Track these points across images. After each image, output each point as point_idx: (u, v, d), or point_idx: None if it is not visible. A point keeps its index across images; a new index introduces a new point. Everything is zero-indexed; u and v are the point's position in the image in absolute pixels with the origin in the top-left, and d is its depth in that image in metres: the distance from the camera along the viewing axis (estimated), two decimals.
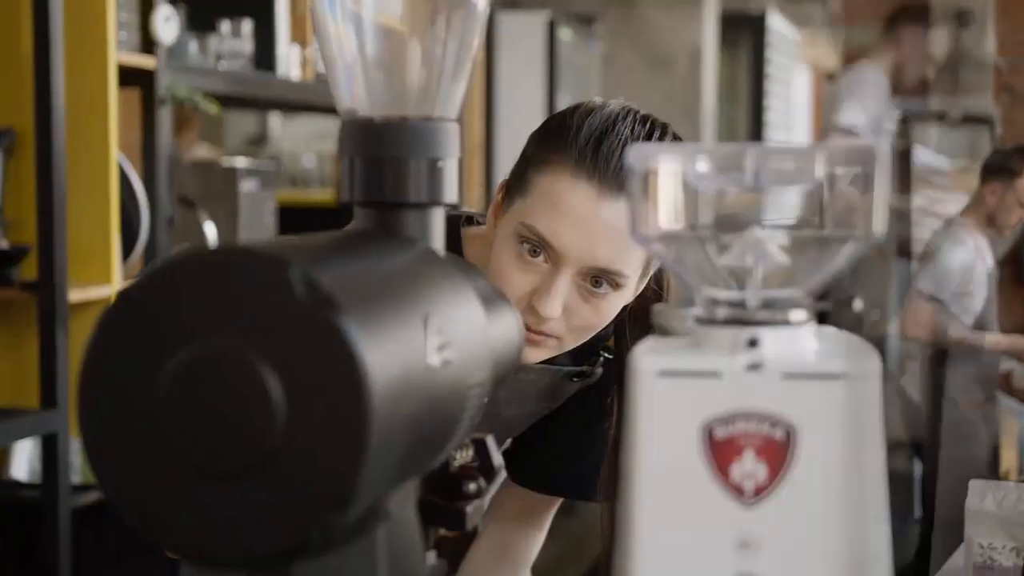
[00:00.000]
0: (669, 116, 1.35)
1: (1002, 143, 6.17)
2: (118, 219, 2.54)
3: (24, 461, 2.62)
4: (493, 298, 0.89)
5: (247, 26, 3.02)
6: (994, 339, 4.25)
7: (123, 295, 0.64)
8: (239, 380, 0.61)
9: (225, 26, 3.03)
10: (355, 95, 0.84)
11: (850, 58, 9.98)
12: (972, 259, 4.26)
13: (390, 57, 0.83)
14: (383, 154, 0.82)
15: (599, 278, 1.25)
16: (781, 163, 0.71)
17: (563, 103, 6.25)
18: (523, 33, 5.33)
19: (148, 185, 2.68)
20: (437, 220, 0.84)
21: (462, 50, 0.85)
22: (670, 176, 0.72)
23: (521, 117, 4.17)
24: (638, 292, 1.34)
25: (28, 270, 2.42)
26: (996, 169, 4.35)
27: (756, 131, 7.44)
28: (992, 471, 4.30)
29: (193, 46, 2.94)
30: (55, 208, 2.36)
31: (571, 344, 1.30)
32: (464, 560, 1.42)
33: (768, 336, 0.70)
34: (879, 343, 4.27)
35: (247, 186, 3.05)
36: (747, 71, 7.40)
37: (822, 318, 0.74)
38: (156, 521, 0.63)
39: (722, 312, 0.72)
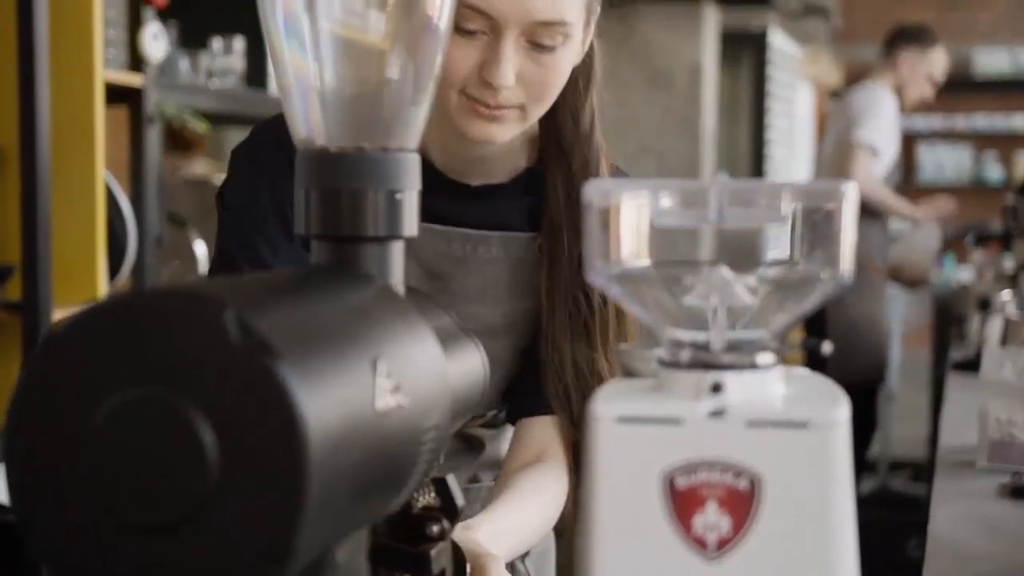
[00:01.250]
0: (669, 134, 1.35)
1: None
2: (104, 238, 2.51)
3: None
4: (455, 334, 0.86)
5: (239, 43, 3.00)
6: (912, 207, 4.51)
7: (52, 337, 0.61)
8: (170, 428, 0.58)
9: (217, 43, 3.00)
10: (311, 124, 0.81)
11: (852, 75, 9.98)
12: (894, 118, 4.39)
13: (347, 85, 0.80)
14: (340, 185, 0.79)
15: (543, 35, 1.20)
16: (746, 200, 0.68)
17: None
18: None
19: (136, 204, 2.65)
20: (396, 253, 0.81)
21: (421, 77, 0.82)
22: (631, 212, 0.69)
23: None
24: (587, 44, 1.30)
25: (12, 290, 2.39)
26: (910, 40, 4.44)
27: (757, 148, 7.41)
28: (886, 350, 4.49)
29: (184, 63, 2.92)
30: (39, 227, 2.34)
31: (536, 113, 1.26)
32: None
33: (733, 381, 0.67)
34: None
35: None
36: (749, 88, 7.37)
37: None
38: (81, 573, 0.60)
39: (685, 355, 0.69)
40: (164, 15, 2.77)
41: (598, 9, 1.29)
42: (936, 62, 4.45)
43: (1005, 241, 4.28)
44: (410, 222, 0.81)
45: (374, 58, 0.81)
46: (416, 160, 0.82)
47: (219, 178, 3.46)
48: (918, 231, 4.71)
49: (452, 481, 0.84)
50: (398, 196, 0.80)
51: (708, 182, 0.69)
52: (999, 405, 1.90)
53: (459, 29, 1.20)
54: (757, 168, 7.40)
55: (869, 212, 4.41)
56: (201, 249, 2.92)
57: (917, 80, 4.44)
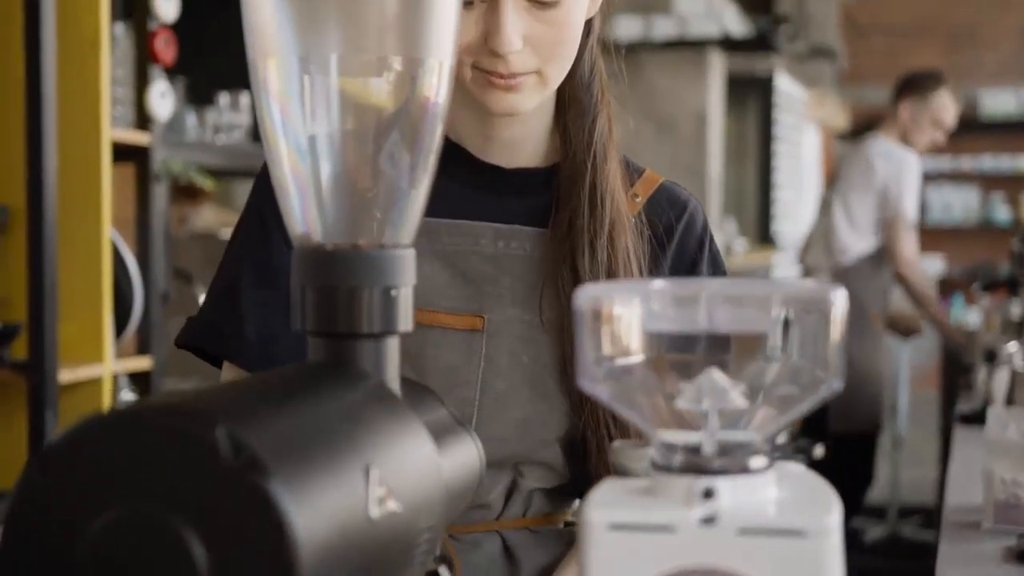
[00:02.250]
0: (675, 179, 1.33)
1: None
2: (111, 297, 2.52)
3: None
4: (449, 426, 0.86)
5: (245, 99, 3.02)
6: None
7: (45, 453, 0.62)
8: (162, 547, 0.59)
9: (224, 99, 3.03)
10: (308, 221, 0.82)
11: (859, 117, 10.00)
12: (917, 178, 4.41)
13: (343, 184, 0.81)
14: (336, 283, 0.79)
15: None
16: (736, 305, 0.68)
17: None
18: None
19: (142, 261, 2.66)
20: (391, 349, 0.81)
21: (417, 175, 0.83)
22: (621, 317, 0.69)
23: None
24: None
25: (19, 349, 2.40)
26: (911, 88, 4.46)
27: (764, 191, 7.43)
28: (882, 399, 4.47)
29: (191, 119, 2.94)
30: (46, 287, 2.35)
31: (556, 77, 1.19)
32: None
33: (724, 486, 0.67)
34: None
35: None
36: (755, 131, 7.40)
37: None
38: None
39: (677, 459, 0.69)
40: (171, 72, 2.79)
41: None
42: (940, 107, 4.46)
43: (1012, 287, 4.26)
44: (405, 317, 0.81)
45: (370, 156, 0.81)
46: (411, 255, 0.82)
47: (226, 231, 3.48)
48: None
49: (445, 573, 0.84)
50: (393, 292, 0.80)
51: (698, 287, 0.69)
52: (1004, 465, 1.90)
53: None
54: (764, 212, 7.41)
55: (876, 259, 4.41)
56: None
57: (921, 127, 4.45)
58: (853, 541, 5.15)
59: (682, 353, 0.71)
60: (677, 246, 1.29)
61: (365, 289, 0.79)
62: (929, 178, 10.21)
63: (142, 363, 2.71)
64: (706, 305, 0.69)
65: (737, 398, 0.69)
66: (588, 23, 1.25)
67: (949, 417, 4.26)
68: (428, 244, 1.24)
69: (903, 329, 4.90)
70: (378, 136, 0.81)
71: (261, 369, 1.21)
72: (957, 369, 4.75)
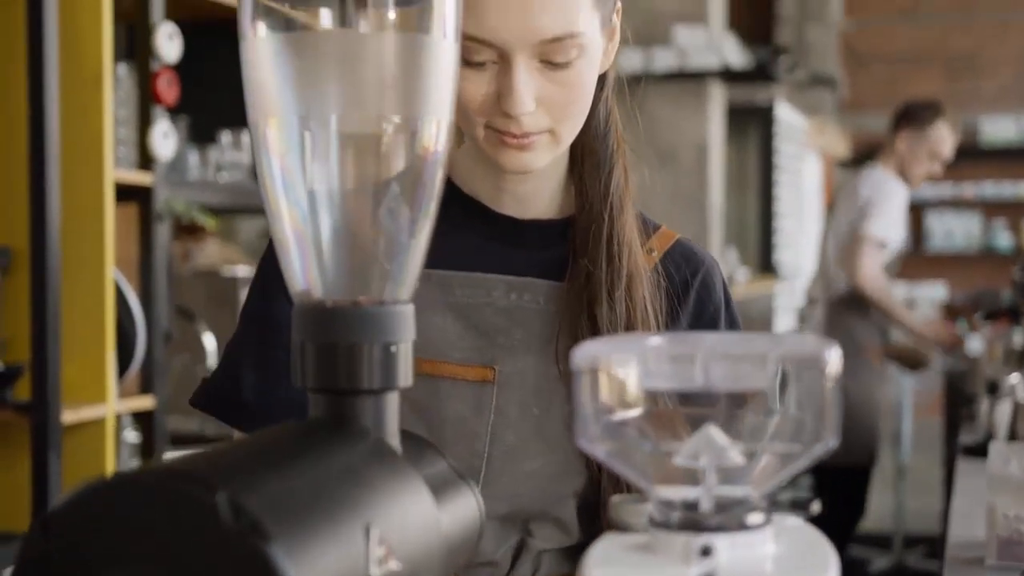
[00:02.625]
0: (677, 211, 1.33)
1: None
2: (114, 337, 2.52)
3: None
4: (449, 479, 0.87)
5: (247, 137, 3.04)
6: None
7: (48, 517, 0.62)
8: None
9: (226, 137, 3.04)
10: (308, 278, 0.82)
11: (859, 144, 10.04)
12: (905, 204, 4.40)
13: (343, 241, 0.82)
14: (336, 340, 0.80)
15: (554, 53, 1.13)
16: (731, 365, 0.69)
17: None
18: None
19: (145, 300, 2.67)
20: (391, 405, 0.82)
21: (416, 230, 0.83)
22: (618, 376, 0.70)
23: None
24: (614, 45, 1.23)
25: (22, 390, 2.41)
26: (908, 119, 4.46)
27: (766, 220, 7.45)
28: (877, 432, 4.45)
29: (194, 157, 2.95)
30: (49, 329, 2.36)
31: (568, 135, 1.18)
32: None
33: (722, 543, 0.67)
34: None
35: None
36: (756, 160, 7.42)
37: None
38: None
39: (675, 516, 0.69)
40: (174, 111, 2.80)
41: (618, 4, 1.22)
42: (938, 139, 4.47)
43: (1014, 315, 4.26)
44: (405, 372, 0.82)
45: (370, 213, 0.82)
46: (410, 311, 0.83)
47: (228, 268, 3.50)
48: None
49: None
50: (393, 348, 0.81)
51: (695, 344, 0.70)
52: (1006, 501, 1.89)
53: (467, 62, 1.13)
54: (766, 241, 7.43)
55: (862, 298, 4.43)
56: (210, 342, 2.93)
57: (918, 158, 4.46)
58: (858, 571, 5.13)
59: (679, 409, 0.72)
60: (695, 305, 1.27)
61: (365, 345, 0.80)
62: (931, 205, 10.24)
63: (145, 402, 2.71)
64: (702, 362, 0.69)
65: (735, 455, 0.70)
66: (603, 76, 1.25)
67: (952, 447, 4.25)
68: (441, 296, 1.23)
69: (910, 363, 4.89)
70: (377, 193, 0.82)
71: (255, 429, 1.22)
72: (960, 398, 4.74)
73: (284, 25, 0.80)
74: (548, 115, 1.16)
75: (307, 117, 0.81)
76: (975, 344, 6.43)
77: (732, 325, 1.28)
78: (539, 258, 1.26)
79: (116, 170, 2.56)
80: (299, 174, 0.81)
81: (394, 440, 0.82)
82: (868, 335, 4.44)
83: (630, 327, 1.18)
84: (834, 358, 0.68)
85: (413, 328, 0.83)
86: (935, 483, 5.65)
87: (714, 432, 0.71)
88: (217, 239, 3.95)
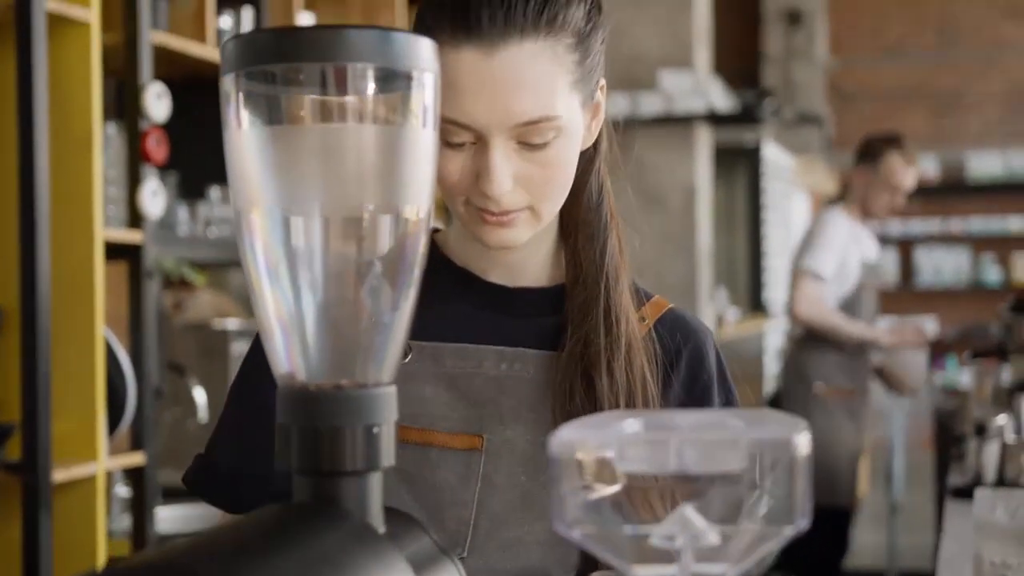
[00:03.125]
0: (665, 253, 1.34)
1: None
2: (104, 396, 2.54)
3: None
4: (433, 556, 0.88)
5: None
6: (875, 332, 4.47)
7: None
8: None
9: (215, 192, 3.06)
10: (292, 362, 0.84)
11: (847, 181, 10.09)
12: (847, 242, 4.38)
13: (326, 327, 0.83)
14: (319, 423, 0.82)
15: (531, 135, 1.14)
16: (705, 449, 0.71)
17: None
18: None
19: (135, 357, 2.68)
20: (374, 485, 0.83)
21: (397, 314, 0.85)
22: (594, 459, 0.72)
23: None
24: (597, 122, 1.24)
25: (13, 450, 2.42)
26: (862, 155, 4.50)
27: (755, 259, 7.48)
28: (850, 473, 4.40)
29: (183, 213, 2.97)
30: (39, 388, 2.37)
31: (549, 212, 1.19)
32: None
33: None
34: None
35: (239, 348, 3.06)
36: (744, 200, 7.46)
37: None
38: None
39: None
40: (163, 167, 2.83)
41: (600, 81, 1.22)
42: (890, 171, 4.46)
43: (1002, 353, 4.28)
44: (388, 453, 0.83)
45: (351, 298, 0.84)
46: (392, 392, 0.84)
47: (219, 321, 3.51)
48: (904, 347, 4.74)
49: None
50: (375, 430, 0.82)
51: (669, 429, 0.72)
52: (992, 548, 1.91)
53: (446, 143, 1.15)
54: (755, 280, 7.46)
55: (816, 335, 4.41)
56: (201, 396, 2.94)
57: (876, 192, 4.48)
58: None
59: (655, 491, 0.74)
60: (687, 374, 1.28)
61: (348, 428, 0.82)
62: (919, 240, 10.29)
63: (135, 459, 2.72)
64: (676, 447, 0.71)
65: (711, 535, 0.72)
66: (595, 146, 1.26)
67: (943, 485, 4.26)
68: (433, 367, 1.24)
69: (900, 390, 4.90)
70: (359, 277, 0.84)
71: (240, 509, 1.24)
72: (949, 436, 4.75)
73: (267, 118, 0.83)
74: (527, 193, 1.17)
75: (290, 207, 0.83)
76: (964, 379, 6.44)
77: (727, 395, 1.29)
78: (530, 326, 1.27)
79: (106, 229, 2.58)
80: (282, 261, 0.83)
81: (377, 520, 0.83)
82: (818, 374, 4.42)
83: (630, 397, 1.20)
84: (803, 442, 0.70)
85: (395, 409, 0.84)
86: (929, 519, 5.66)
87: (690, 513, 0.72)
88: (209, 289, 3.96)
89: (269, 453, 1.03)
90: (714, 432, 0.73)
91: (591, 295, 1.24)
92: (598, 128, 1.25)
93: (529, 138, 1.14)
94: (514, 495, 1.21)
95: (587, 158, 1.25)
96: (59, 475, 2.42)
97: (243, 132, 0.82)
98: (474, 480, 1.21)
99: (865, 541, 6.68)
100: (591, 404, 1.20)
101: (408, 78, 0.82)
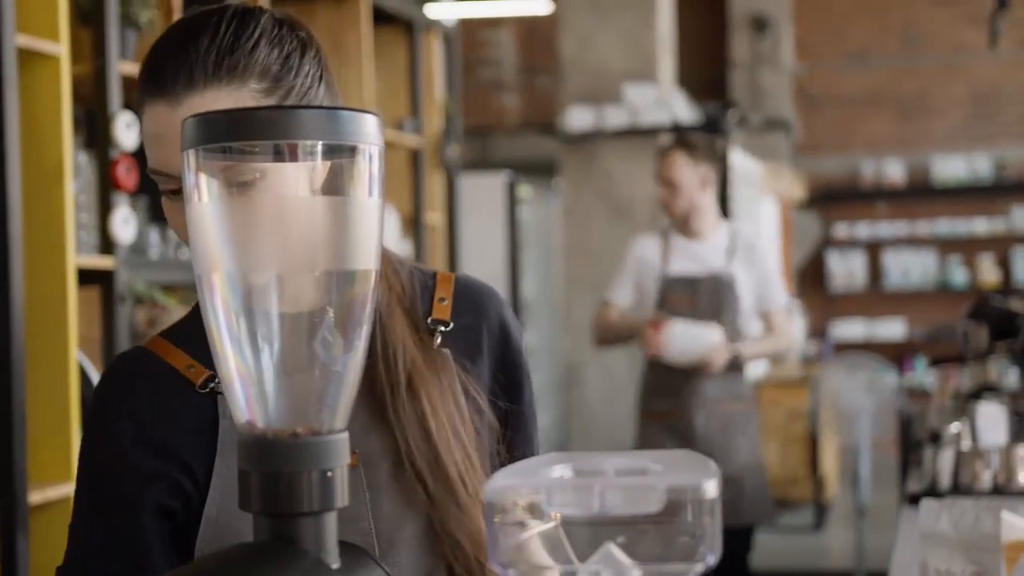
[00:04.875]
0: None
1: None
2: (78, 418, 2.59)
3: None
4: None
5: None
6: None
7: None
8: None
9: None
10: (251, 411, 0.91)
11: (815, 186, 10.21)
12: (636, 263, 4.11)
13: (281, 378, 0.91)
14: (277, 468, 0.89)
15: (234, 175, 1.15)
16: (625, 493, 0.78)
17: (526, 257, 6.40)
18: (484, 192, 5.49)
19: None
20: (330, 524, 0.91)
21: (348, 365, 0.92)
22: (525, 505, 0.79)
23: (486, 274, 4.25)
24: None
25: None
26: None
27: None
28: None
29: (154, 236, 3.03)
30: (14, 414, 2.42)
31: None
32: None
33: None
34: None
35: None
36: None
37: None
38: None
39: None
40: (133, 192, 2.89)
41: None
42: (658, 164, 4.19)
43: (963, 359, 4.37)
44: (342, 493, 0.91)
45: (306, 353, 0.91)
46: (345, 439, 0.92)
47: None
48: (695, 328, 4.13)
49: None
50: (330, 474, 0.90)
51: (594, 478, 0.79)
52: (939, 556, 1.98)
53: (164, 194, 1.22)
54: None
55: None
56: None
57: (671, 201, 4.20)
58: None
59: (580, 529, 0.81)
60: (493, 343, 1.35)
61: (304, 473, 0.89)
62: (887, 243, 10.42)
63: None
64: (599, 491, 0.79)
65: (633, 571, 0.79)
66: None
67: (905, 489, 4.34)
68: None
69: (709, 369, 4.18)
70: (312, 333, 0.91)
71: None
72: (911, 441, 4.84)
73: (224, 190, 0.90)
74: None
75: (247, 270, 0.90)
76: (931, 380, 6.54)
77: (519, 356, 1.36)
78: None
79: (78, 255, 2.64)
80: (241, 318, 0.90)
81: (332, 556, 0.90)
82: (644, 400, 4.22)
83: (424, 418, 1.26)
84: (712, 486, 0.78)
85: (347, 453, 0.92)
86: (896, 519, 5.75)
87: (614, 550, 0.80)
88: (181, 307, 4.02)
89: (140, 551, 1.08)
90: (635, 478, 0.80)
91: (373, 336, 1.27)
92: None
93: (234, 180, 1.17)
94: (397, 497, 1.28)
95: None
96: (35, 497, 2.48)
97: (203, 203, 0.89)
98: (361, 492, 1.27)
99: (833, 542, 6.79)
100: (392, 425, 1.26)
101: (353, 151, 0.90)
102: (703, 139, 4.22)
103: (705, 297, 4.08)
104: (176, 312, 3.75)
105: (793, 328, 4.20)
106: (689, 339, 3.97)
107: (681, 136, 4.40)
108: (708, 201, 4.11)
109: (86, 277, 2.71)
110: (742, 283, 4.04)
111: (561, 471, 0.82)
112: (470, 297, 1.36)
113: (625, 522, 0.80)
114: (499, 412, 1.34)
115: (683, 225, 4.14)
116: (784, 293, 4.11)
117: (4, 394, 2.45)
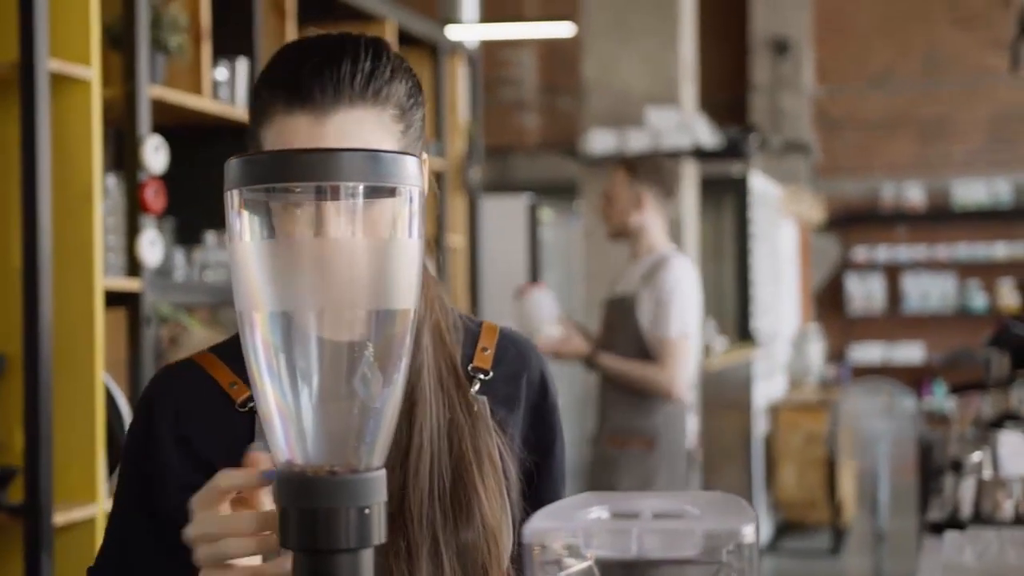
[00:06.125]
0: None
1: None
2: (104, 439, 2.61)
3: None
4: None
5: None
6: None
7: None
8: None
9: (211, 238, 3.15)
10: (290, 449, 0.92)
11: (834, 209, 10.21)
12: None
13: (321, 416, 0.92)
14: (315, 505, 0.90)
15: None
16: (663, 537, 0.79)
17: (547, 279, 6.40)
18: (506, 214, 5.51)
19: (133, 401, 2.76)
20: (367, 561, 0.92)
21: (387, 403, 0.93)
22: (563, 546, 0.80)
23: (507, 297, 4.25)
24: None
25: (15, 493, 2.49)
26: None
27: (743, 288, 7.56)
28: None
29: (180, 258, 3.06)
30: (41, 432, 2.44)
31: None
32: None
33: None
34: None
35: None
36: (731, 230, 7.55)
37: None
38: None
39: None
40: (160, 215, 2.91)
41: (424, 156, 1.29)
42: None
43: (983, 386, 4.35)
44: (379, 531, 0.92)
45: (345, 391, 0.92)
46: (382, 476, 0.92)
47: None
48: (525, 303, 4.05)
49: None
50: (367, 511, 0.91)
51: (632, 520, 0.80)
52: None
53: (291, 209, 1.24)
54: (743, 309, 7.54)
55: None
56: None
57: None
58: None
59: (616, 569, 0.82)
60: (530, 396, 1.36)
61: (342, 510, 0.90)
62: (906, 267, 10.39)
63: None
64: (637, 535, 0.80)
65: None
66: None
67: (924, 516, 4.33)
68: None
69: (564, 356, 4.10)
70: (351, 371, 0.93)
71: None
72: (931, 465, 4.82)
73: (266, 231, 0.91)
74: None
75: (288, 309, 0.91)
76: (950, 405, 6.52)
77: (554, 415, 1.38)
78: None
79: (105, 278, 2.66)
80: (281, 356, 0.92)
81: None
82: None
83: (407, 449, 1.26)
84: (750, 531, 0.79)
85: (385, 490, 0.93)
86: (915, 546, 5.73)
87: None
88: (204, 323, 4.04)
89: (175, 553, 1.09)
90: (672, 521, 0.81)
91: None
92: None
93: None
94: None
95: None
96: (60, 518, 2.50)
97: (245, 243, 0.90)
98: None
99: (850, 567, 6.76)
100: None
101: (394, 192, 0.91)
102: (654, 164, 4.12)
103: (612, 316, 4.01)
104: (198, 333, 3.77)
105: (680, 367, 3.84)
106: (538, 308, 3.96)
107: (632, 157, 4.37)
108: (646, 223, 4.00)
109: (113, 299, 2.73)
110: (642, 304, 3.92)
111: (597, 512, 0.83)
112: (513, 349, 1.38)
113: (661, 563, 0.81)
114: (528, 466, 1.34)
115: (629, 245, 4.09)
116: (679, 325, 3.84)
117: (31, 415, 2.47)
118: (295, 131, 1.20)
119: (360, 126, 1.20)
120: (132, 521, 1.29)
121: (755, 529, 0.79)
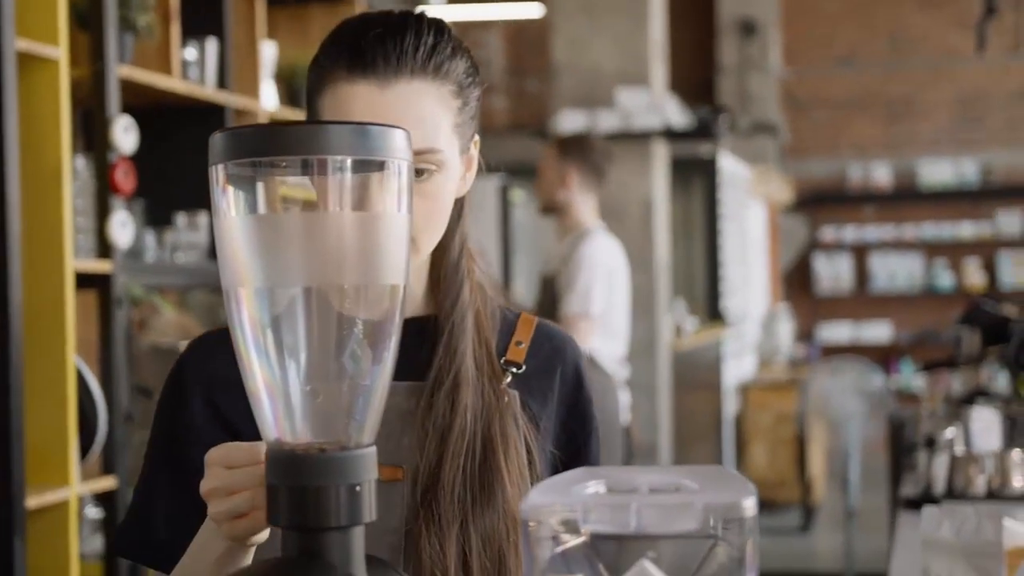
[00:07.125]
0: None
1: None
2: (76, 422, 2.59)
3: None
4: None
5: (203, 218, 3.12)
6: None
7: None
8: None
9: (181, 219, 3.12)
10: (279, 427, 0.91)
11: (802, 190, 10.24)
12: None
13: (309, 394, 0.90)
14: (305, 483, 0.89)
15: (417, 162, 1.18)
16: (662, 511, 0.78)
17: (519, 262, 6.40)
18: (476, 196, 5.48)
19: (105, 383, 2.73)
20: (357, 538, 0.90)
21: (377, 380, 0.92)
22: (560, 521, 0.79)
23: None
24: (471, 173, 1.31)
25: None
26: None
27: (712, 268, 7.59)
28: None
29: (151, 240, 3.03)
30: (12, 417, 2.41)
31: (428, 245, 1.26)
32: None
33: None
34: None
35: None
36: (701, 211, 7.56)
37: None
38: None
39: None
40: (130, 197, 2.88)
41: (476, 137, 1.32)
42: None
43: (952, 364, 4.37)
44: (369, 508, 0.91)
45: (333, 368, 0.91)
46: (372, 453, 0.91)
47: (183, 343, 3.55)
48: None
49: None
50: (358, 488, 0.90)
51: (630, 495, 0.79)
52: (940, 564, 1.98)
53: None
54: (713, 289, 7.56)
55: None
56: None
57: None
58: None
59: (616, 548, 0.81)
60: (564, 389, 1.36)
61: (332, 488, 0.89)
62: (873, 246, 10.45)
63: (107, 483, 2.77)
64: (636, 509, 0.79)
65: None
66: (460, 203, 1.32)
67: (896, 490, 4.35)
68: None
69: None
70: (340, 347, 0.91)
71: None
72: (902, 442, 4.84)
73: (252, 205, 0.90)
74: None
75: (274, 285, 0.90)
76: (918, 383, 6.56)
77: (589, 408, 1.37)
78: (408, 359, 1.27)
79: (76, 260, 2.63)
80: (268, 333, 0.90)
81: (360, 571, 0.90)
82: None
83: (447, 430, 1.25)
84: (750, 504, 0.78)
85: (375, 467, 0.92)
86: (885, 522, 5.76)
87: (648, 566, 0.80)
88: (173, 308, 4.00)
89: (200, 512, 1.08)
90: (671, 495, 0.80)
91: (437, 336, 1.30)
92: (471, 181, 1.33)
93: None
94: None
95: (457, 211, 1.31)
96: (32, 501, 2.47)
97: (231, 218, 0.89)
98: (400, 506, 1.25)
99: (821, 544, 6.80)
100: (424, 435, 1.25)
101: (382, 166, 0.90)
102: (584, 144, 4.14)
103: (542, 295, 4.10)
104: (169, 315, 3.74)
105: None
106: None
107: (565, 136, 4.40)
108: (572, 200, 4.03)
109: (84, 281, 2.71)
110: (560, 281, 3.95)
111: (595, 487, 0.82)
112: (549, 343, 1.37)
113: (660, 537, 0.80)
114: (555, 461, 1.33)
115: (557, 222, 4.13)
116: (580, 303, 3.86)
117: (2, 398, 2.43)
118: (356, 98, 1.21)
119: (420, 98, 1.21)
120: (160, 482, 1.29)
121: (754, 503, 0.78)
